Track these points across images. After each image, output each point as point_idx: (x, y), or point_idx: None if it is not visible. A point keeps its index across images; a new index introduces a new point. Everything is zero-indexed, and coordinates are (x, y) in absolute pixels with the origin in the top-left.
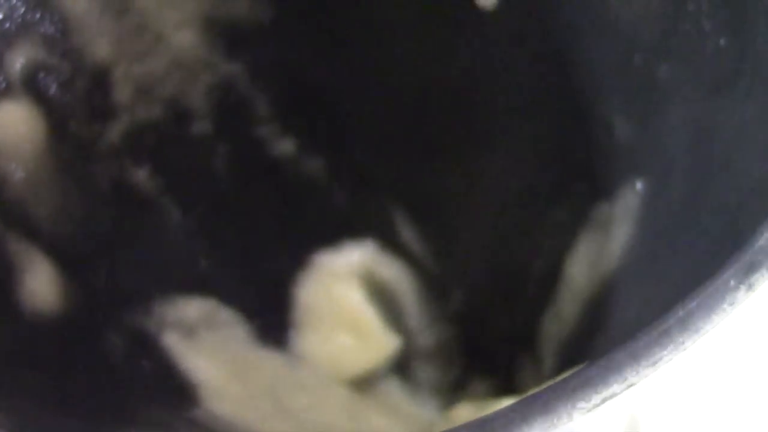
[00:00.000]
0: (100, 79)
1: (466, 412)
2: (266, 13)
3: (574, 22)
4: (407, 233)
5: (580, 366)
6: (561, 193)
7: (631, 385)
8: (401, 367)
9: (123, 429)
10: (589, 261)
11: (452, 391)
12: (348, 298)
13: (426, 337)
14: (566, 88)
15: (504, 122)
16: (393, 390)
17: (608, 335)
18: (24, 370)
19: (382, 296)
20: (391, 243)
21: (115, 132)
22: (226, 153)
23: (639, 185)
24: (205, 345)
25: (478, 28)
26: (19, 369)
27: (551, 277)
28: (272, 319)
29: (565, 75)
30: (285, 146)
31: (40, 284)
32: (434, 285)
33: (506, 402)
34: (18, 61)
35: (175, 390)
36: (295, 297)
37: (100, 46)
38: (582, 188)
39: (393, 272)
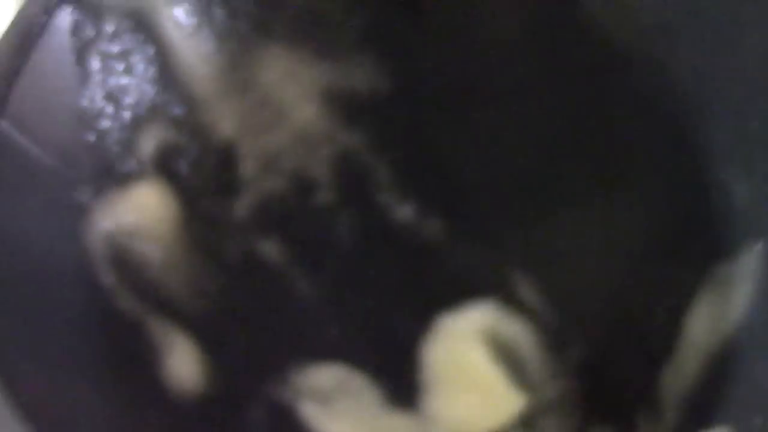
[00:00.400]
0: (226, 156)
1: None
2: (385, 83)
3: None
4: (526, 290)
5: None
6: (678, 251)
7: None
8: (525, 422)
9: None
10: (710, 318)
11: None
12: (472, 358)
13: (547, 391)
14: (683, 149)
15: (619, 182)
16: None
17: (732, 394)
18: None
19: (504, 353)
20: (510, 300)
21: (242, 206)
22: (349, 221)
23: (759, 247)
24: (341, 412)
25: (600, 84)
26: None
27: (671, 331)
28: (401, 383)
29: (682, 135)
30: (405, 211)
31: (184, 365)
32: (554, 339)
33: None
34: (149, 143)
35: None
36: (422, 360)
37: (225, 124)
38: (700, 247)
39: (514, 329)
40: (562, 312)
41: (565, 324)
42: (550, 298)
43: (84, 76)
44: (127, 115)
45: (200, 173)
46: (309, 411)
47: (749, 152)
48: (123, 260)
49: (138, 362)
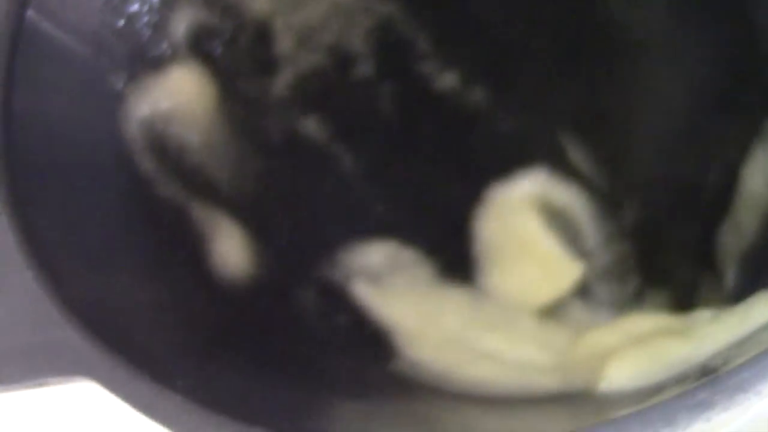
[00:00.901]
0: (261, 33)
1: (640, 321)
2: None
3: None
4: (576, 154)
5: None
6: (730, 104)
7: None
8: (581, 288)
9: (326, 393)
10: (766, 172)
11: (630, 306)
12: (527, 228)
13: (602, 256)
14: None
15: (668, 31)
16: (576, 313)
17: None
18: (224, 344)
19: (558, 221)
20: (561, 166)
21: (281, 84)
22: (391, 92)
23: None
24: (393, 289)
25: None
26: (218, 339)
27: (727, 188)
28: (453, 256)
29: None
30: (448, 79)
31: (230, 250)
32: (607, 203)
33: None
34: (181, 25)
35: (372, 341)
36: (474, 232)
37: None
38: (753, 99)
39: (566, 196)
40: (615, 174)
41: (618, 186)
42: (601, 161)
43: None
44: None
45: (235, 52)
46: (360, 290)
47: None
48: (162, 146)
49: (183, 250)
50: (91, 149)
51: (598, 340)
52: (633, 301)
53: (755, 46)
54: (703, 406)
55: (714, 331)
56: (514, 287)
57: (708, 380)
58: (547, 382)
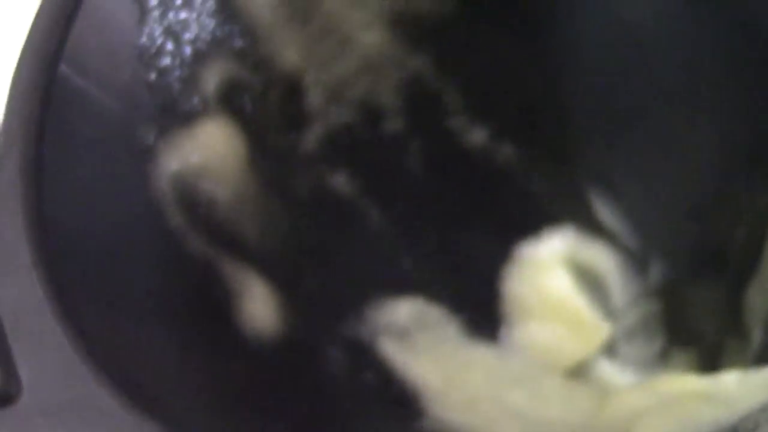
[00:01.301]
0: (291, 88)
1: (667, 383)
2: (451, 5)
3: None
4: (604, 211)
5: None
6: (760, 162)
7: None
8: (608, 348)
9: None
10: None
11: (656, 365)
12: (556, 287)
13: (629, 315)
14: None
15: (695, 87)
16: (603, 372)
17: None
18: (251, 403)
19: (586, 279)
20: (589, 223)
21: (310, 139)
22: (419, 148)
23: None
24: (420, 347)
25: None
26: (249, 401)
27: (755, 246)
28: (481, 313)
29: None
30: (477, 136)
31: (258, 306)
32: (633, 261)
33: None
34: (212, 79)
35: (399, 400)
36: (502, 290)
37: (288, 54)
38: None
39: (595, 254)
40: (642, 233)
41: (646, 246)
42: (629, 220)
43: (142, 12)
44: (187, 50)
45: (265, 107)
46: (387, 348)
47: None
48: (191, 201)
49: (213, 307)
50: (121, 204)
51: (625, 402)
52: (659, 361)
53: None
54: None
55: (743, 393)
56: (541, 346)
57: None
58: None
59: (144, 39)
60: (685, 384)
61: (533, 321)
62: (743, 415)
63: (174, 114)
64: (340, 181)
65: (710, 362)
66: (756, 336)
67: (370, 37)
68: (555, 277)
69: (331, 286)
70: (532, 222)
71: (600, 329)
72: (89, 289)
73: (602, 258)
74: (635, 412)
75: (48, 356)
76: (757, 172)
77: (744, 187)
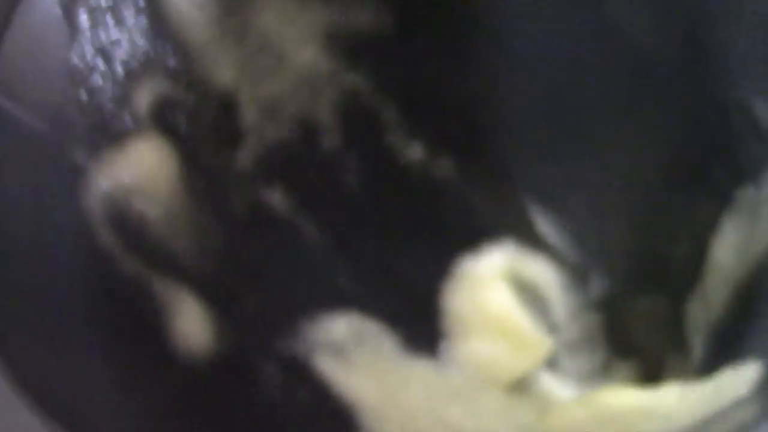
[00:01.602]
0: (225, 105)
1: (608, 397)
2: (387, 21)
3: (709, 5)
4: (544, 225)
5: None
6: (700, 178)
7: None
8: (549, 361)
9: None
10: (737, 245)
11: (597, 378)
12: (496, 302)
13: (570, 328)
14: (700, 71)
15: (637, 107)
16: (543, 385)
17: (757, 321)
18: (184, 420)
19: (527, 293)
20: (529, 238)
21: (245, 156)
22: (357, 164)
23: None
24: (356, 363)
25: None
26: (178, 419)
27: (696, 261)
28: (419, 329)
29: (698, 58)
30: (414, 151)
31: (191, 325)
32: (575, 274)
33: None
34: (145, 98)
35: (335, 417)
36: (441, 306)
37: (222, 72)
38: (723, 172)
39: (535, 268)
40: (583, 247)
41: (587, 259)
42: (570, 234)
43: (72, 31)
44: (119, 70)
45: (199, 125)
46: (324, 364)
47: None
48: (123, 221)
49: (144, 326)
50: (50, 224)
51: (565, 415)
52: (600, 374)
53: (726, 119)
54: None
55: (683, 408)
56: (482, 361)
57: None
58: None
59: (75, 59)
60: (625, 398)
61: (474, 336)
62: (683, 430)
63: (105, 133)
64: (276, 198)
65: (652, 375)
66: (697, 349)
67: (305, 53)
68: (495, 291)
69: (266, 303)
70: (471, 236)
71: (541, 344)
72: (16, 313)
73: (543, 272)
74: (575, 425)
75: None
76: (698, 186)
77: (685, 201)
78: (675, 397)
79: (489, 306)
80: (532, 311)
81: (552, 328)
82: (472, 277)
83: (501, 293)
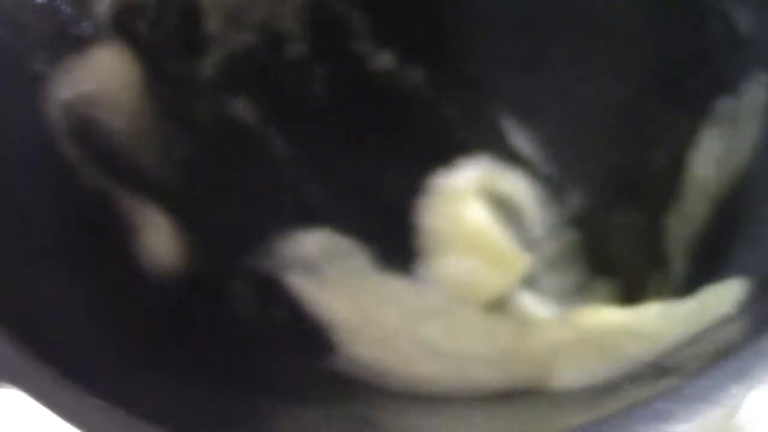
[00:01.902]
0: (189, 11)
1: (588, 316)
2: None
3: None
4: (518, 139)
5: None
6: (677, 88)
7: None
8: (527, 280)
9: (260, 396)
10: (715, 158)
11: (577, 296)
12: (472, 218)
13: (548, 245)
14: None
15: (611, 15)
16: (522, 304)
17: (740, 236)
18: (153, 344)
19: (503, 209)
20: (504, 152)
21: (209, 65)
22: (325, 73)
23: (764, 78)
24: (330, 280)
25: None
26: (147, 340)
27: (674, 174)
28: (391, 244)
29: None
30: (384, 60)
31: (158, 240)
32: (551, 188)
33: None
34: (104, 2)
35: (309, 337)
36: (416, 222)
37: None
38: (700, 82)
39: (511, 183)
40: (559, 161)
41: (563, 173)
42: (545, 147)
43: None
44: None
45: (161, 31)
46: (295, 281)
47: None
48: (85, 131)
49: (110, 242)
50: (9, 134)
51: (545, 334)
52: (578, 293)
53: (703, 28)
54: (663, 417)
55: (666, 327)
56: (459, 279)
57: (667, 389)
58: (492, 378)
59: None
60: (606, 316)
61: (450, 254)
62: (666, 351)
63: (64, 40)
64: (242, 109)
65: (632, 292)
66: (678, 266)
67: None
68: (470, 208)
69: (235, 218)
70: (444, 150)
71: (519, 260)
72: None
73: (519, 187)
74: (556, 344)
75: None
76: (675, 97)
77: (661, 111)
78: (657, 316)
79: (465, 222)
80: (509, 227)
81: (530, 245)
82: (446, 192)
83: (476, 209)
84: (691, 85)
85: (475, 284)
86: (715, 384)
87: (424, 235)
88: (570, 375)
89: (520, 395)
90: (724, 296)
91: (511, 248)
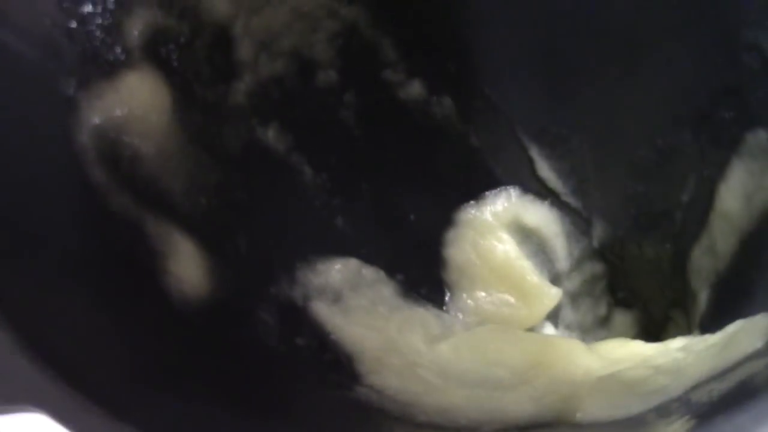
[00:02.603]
0: (220, 37)
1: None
2: None
3: None
4: (544, 170)
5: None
6: (708, 120)
7: None
8: (553, 312)
9: (285, 423)
10: (746, 192)
11: (599, 328)
12: (503, 252)
13: (574, 279)
14: (710, 10)
15: (643, 47)
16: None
17: (766, 277)
18: (179, 370)
19: (530, 241)
20: (531, 183)
21: (239, 91)
22: (354, 101)
23: None
24: (356, 309)
25: None
26: (172, 365)
27: (702, 208)
28: (417, 274)
29: None
30: (413, 89)
31: (185, 267)
32: (578, 221)
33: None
34: (136, 27)
35: (333, 365)
36: (444, 254)
37: (217, 3)
38: (731, 115)
39: (538, 215)
40: (584, 191)
41: (588, 205)
42: (571, 178)
43: None
44: None
45: (192, 58)
46: (320, 311)
47: None
48: (114, 156)
49: (137, 268)
50: (39, 157)
51: (572, 366)
52: (602, 325)
53: (736, 60)
54: None
55: (693, 360)
56: (488, 314)
57: (702, 424)
58: (519, 409)
59: None
60: (631, 349)
61: (480, 288)
62: (693, 386)
63: (96, 64)
64: (271, 136)
65: (655, 327)
66: (702, 299)
67: None
68: (500, 241)
69: (262, 246)
70: (472, 180)
71: (549, 296)
72: (7, 252)
73: (546, 220)
74: (582, 376)
75: None
76: (710, 125)
77: (692, 142)
78: (683, 350)
79: (495, 256)
80: (536, 261)
81: (556, 278)
82: (476, 225)
83: (506, 242)
84: (723, 117)
85: (505, 318)
86: (751, 421)
87: (453, 268)
88: (596, 408)
89: (546, 426)
90: (750, 332)
91: (541, 283)
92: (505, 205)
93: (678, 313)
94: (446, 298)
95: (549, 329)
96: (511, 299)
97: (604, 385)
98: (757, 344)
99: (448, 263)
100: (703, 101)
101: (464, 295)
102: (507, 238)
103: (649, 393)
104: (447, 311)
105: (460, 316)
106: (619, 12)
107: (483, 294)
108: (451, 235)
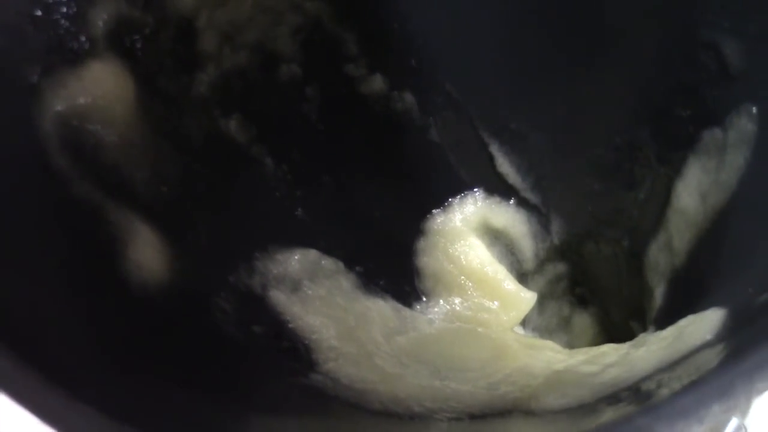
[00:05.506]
0: (184, 29)
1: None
2: None
3: None
4: (505, 167)
5: None
6: (665, 118)
7: None
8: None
9: (240, 407)
10: (701, 190)
11: (561, 328)
12: (475, 258)
13: (537, 281)
14: (669, 9)
15: (602, 45)
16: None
17: (719, 269)
18: (138, 353)
19: (499, 243)
20: (492, 180)
21: (202, 83)
22: (316, 95)
23: (755, 110)
24: (312, 299)
25: None
26: (131, 348)
27: (659, 205)
28: (376, 266)
29: None
30: (375, 83)
31: (144, 254)
32: (538, 218)
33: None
34: (101, 17)
35: (290, 353)
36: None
37: None
38: (688, 113)
39: (504, 216)
40: (543, 188)
41: (547, 201)
42: (529, 174)
43: None
44: None
45: (156, 48)
46: (279, 299)
47: (741, 11)
48: (77, 143)
49: (97, 254)
50: (1, 143)
51: (527, 357)
52: (564, 325)
53: (693, 59)
54: None
55: (644, 353)
56: (467, 320)
57: (648, 406)
58: (473, 397)
59: None
60: (585, 341)
61: (456, 294)
62: (644, 374)
63: (60, 52)
64: (233, 127)
65: (614, 324)
66: (658, 295)
67: None
68: (471, 247)
69: (222, 235)
70: (431, 174)
71: (525, 300)
72: None
73: (513, 220)
74: (536, 367)
75: None
76: (667, 123)
77: (649, 140)
78: (637, 345)
79: (468, 263)
80: (505, 263)
81: (522, 279)
82: (445, 233)
83: (477, 249)
84: (680, 116)
85: (483, 323)
86: (696, 402)
87: (428, 276)
88: (550, 398)
89: (500, 415)
90: (701, 325)
91: (517, 288)
92: (472, 209)
93: (636, 309)
94: (422, 302)
95: (516, 330)
96: (489, 304)
97: (559, 377)
98: (707, 337)
99: (422, 272)
100: (660, 100)
101: (441, 301)
102: (478, 243)
103: (601, 384)
104: (425, 315)
105: (442, 320)
106: (579, 10)
107: (459, 300)
108: (422, 244)
